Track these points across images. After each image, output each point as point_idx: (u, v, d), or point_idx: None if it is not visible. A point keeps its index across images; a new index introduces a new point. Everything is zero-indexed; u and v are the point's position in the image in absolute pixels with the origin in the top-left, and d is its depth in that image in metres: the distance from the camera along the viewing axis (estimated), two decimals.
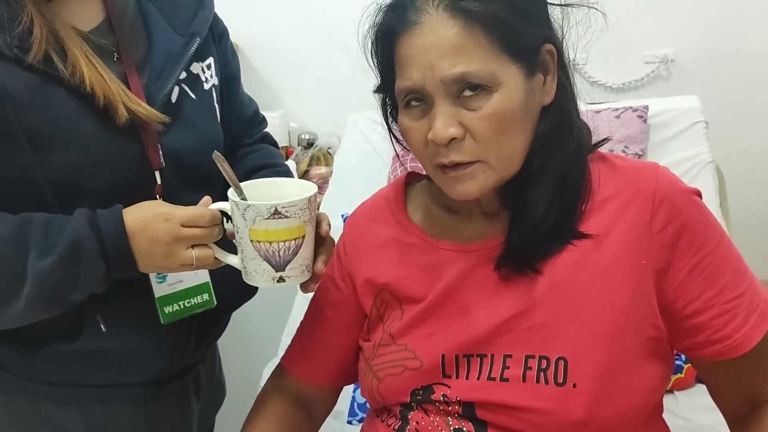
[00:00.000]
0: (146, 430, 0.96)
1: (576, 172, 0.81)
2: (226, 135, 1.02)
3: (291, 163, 2.32)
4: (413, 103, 0.79)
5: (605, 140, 0.87)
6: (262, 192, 0.83)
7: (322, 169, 2.33)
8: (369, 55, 0.84)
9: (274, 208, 0.77)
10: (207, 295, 0.95)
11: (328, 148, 2.42)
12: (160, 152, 0.88)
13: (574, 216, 0.81)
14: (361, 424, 1.01)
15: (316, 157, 2.40)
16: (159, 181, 0.88)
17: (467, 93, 0.75)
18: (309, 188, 0.82)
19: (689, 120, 1.77)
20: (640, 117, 1.75)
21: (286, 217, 0.77)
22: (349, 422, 1.46)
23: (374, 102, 0.90)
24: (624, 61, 2.17)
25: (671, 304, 0.79)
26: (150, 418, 0.97)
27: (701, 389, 1.37)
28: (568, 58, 0.83)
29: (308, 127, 2.50)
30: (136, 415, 0.97)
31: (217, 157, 0.78)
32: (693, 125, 1.76)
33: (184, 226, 0.79)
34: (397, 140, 0.89)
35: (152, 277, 0.90)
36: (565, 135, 0.81)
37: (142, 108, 0.84)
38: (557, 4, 0.81)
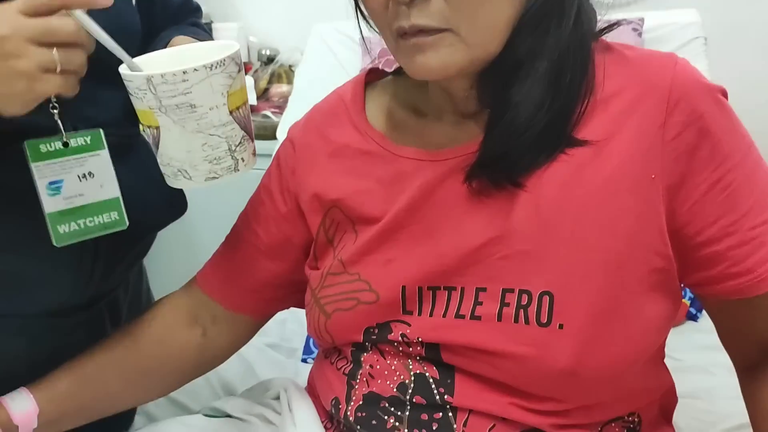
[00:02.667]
0: (49, 366, 0.86)
1: (575, 60, 0.68)
2: (149, 25, 0.89)
3: (249, 80, 2.22)
4: None
5: (616, 24, 0.74)
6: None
7: (284, 87, 2.25)
8: None
9: None
10: (116, 213, 0.82)
11: (290, 66, 2.33)
12: None
13: (570, 117, 0.68)
14: None
15: (278, 74, 2.31)
16: None
17: None
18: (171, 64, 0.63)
19: (687, 35, 1.73)
20: (635, 30, 1.69)
21: None
22: (304, 360, 1.38)
23: (342, 10, 0.77)
24: None
25: (683, 228, 0.67)
26: (52, 353, 0.86)
27: (692, 326, 1.33)
28: None
29: (269, 42, 2.38)
30: (32, 350, 0.86)
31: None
32: (691, 41, 1.72)
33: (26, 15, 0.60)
34: (365, 19, 0.75)
35: (42, 188, 0.77)
36: (564, 12, 0.67)
37: None
38: None
